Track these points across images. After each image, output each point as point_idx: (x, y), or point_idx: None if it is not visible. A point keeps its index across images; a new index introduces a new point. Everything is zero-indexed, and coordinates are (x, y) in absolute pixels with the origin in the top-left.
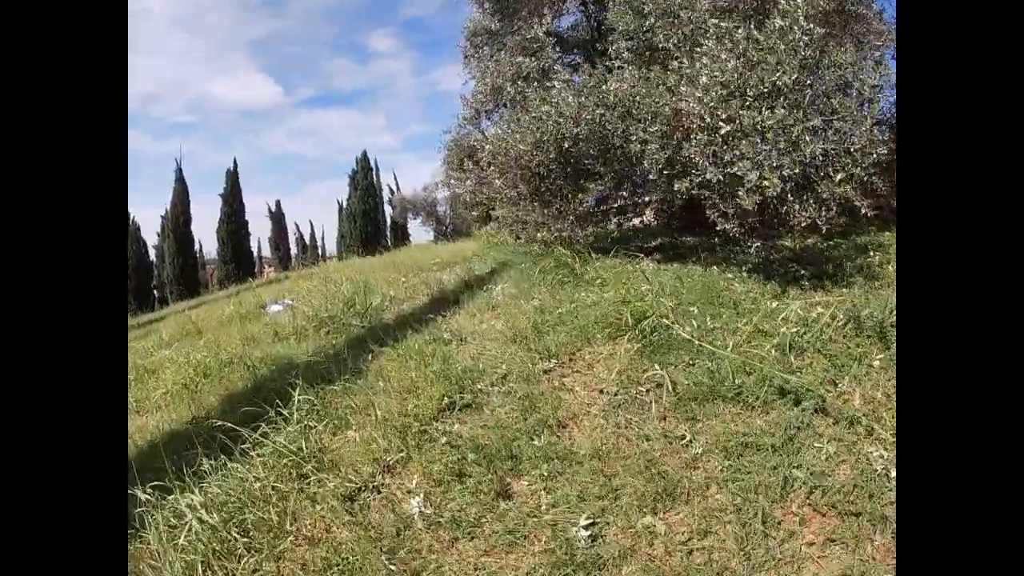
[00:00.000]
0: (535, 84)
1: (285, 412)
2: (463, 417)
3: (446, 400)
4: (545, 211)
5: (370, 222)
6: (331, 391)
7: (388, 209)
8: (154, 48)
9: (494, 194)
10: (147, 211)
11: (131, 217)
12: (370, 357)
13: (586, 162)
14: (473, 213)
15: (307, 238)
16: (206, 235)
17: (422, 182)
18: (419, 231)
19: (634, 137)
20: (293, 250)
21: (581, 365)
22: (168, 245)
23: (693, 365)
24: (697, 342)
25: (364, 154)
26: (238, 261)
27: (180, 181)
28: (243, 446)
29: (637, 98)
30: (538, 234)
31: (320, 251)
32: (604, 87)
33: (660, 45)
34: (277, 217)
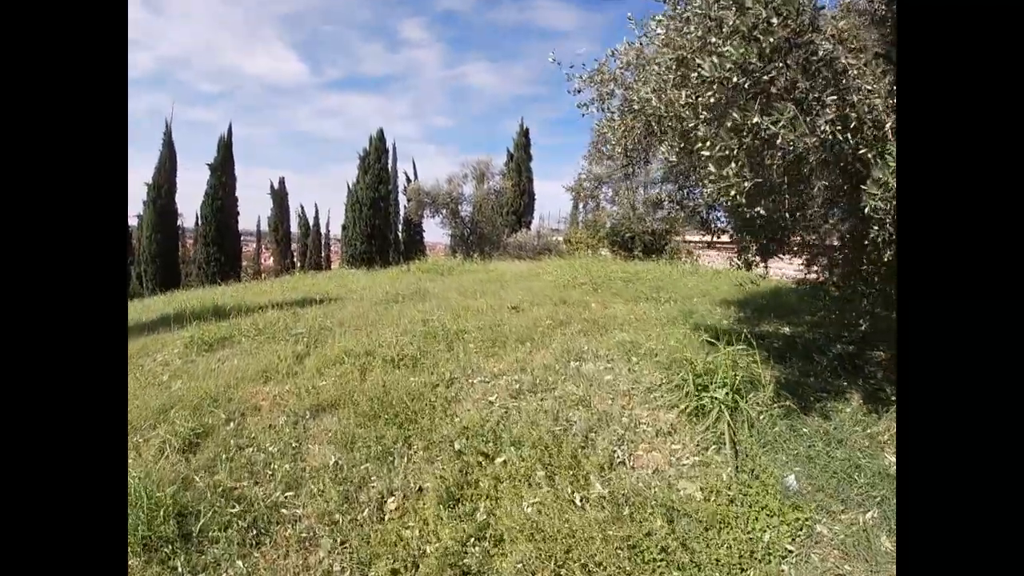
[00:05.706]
0: None
1: None
2: None
3: None
4: None
5: (378, 213)
6: None
7: (402, 200)
8: (185, 11)
9: None
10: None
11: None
12: None
13: None
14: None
15: (311, 220)
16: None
17: (443, 176)
18: (434, 231)
19: None
20: (294, 230)
21: None
22: (148, 217)
23: None
24: None
25: (380, 133)
26: (221, 244)
27: (168, 145)
28: None
29: None
30: None
31: (324, 239)
32: None
33: None
34: (279, 196)
